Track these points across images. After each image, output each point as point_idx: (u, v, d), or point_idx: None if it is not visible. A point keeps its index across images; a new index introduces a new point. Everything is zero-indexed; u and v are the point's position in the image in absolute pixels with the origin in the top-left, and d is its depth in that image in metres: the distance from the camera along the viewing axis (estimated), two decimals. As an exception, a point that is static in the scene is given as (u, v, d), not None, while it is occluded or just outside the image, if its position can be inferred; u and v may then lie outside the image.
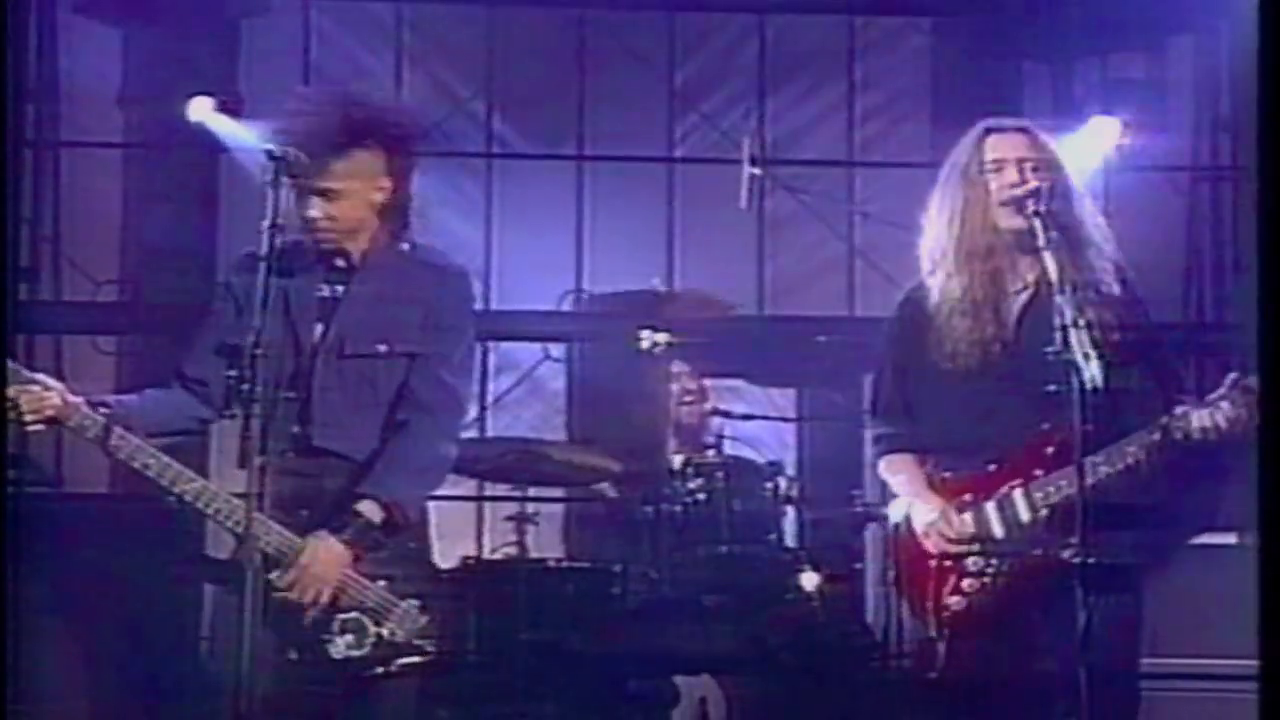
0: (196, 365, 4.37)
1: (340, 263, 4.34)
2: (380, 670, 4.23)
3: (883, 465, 4.70)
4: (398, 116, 4.41)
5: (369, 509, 4.24)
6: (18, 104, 8.05)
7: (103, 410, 4.20)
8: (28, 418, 4.14)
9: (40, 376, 4.24)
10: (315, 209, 4.26)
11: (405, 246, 4.42)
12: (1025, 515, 4.43)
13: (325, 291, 4.32)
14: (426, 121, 4.52)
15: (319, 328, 4.29)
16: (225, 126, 7.99)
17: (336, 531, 4.22)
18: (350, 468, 4.28)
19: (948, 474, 4.54)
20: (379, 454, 4.30)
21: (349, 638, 4.21)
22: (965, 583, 4.45)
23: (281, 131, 4.23)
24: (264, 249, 4.05)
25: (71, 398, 4.19)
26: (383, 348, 4.30)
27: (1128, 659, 4.43)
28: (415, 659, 4.26)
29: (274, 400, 4.10)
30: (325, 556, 4.20)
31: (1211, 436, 4.29)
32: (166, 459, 4.19)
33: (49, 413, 4.15)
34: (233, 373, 4.13)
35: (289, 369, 4.24)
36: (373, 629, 4.23)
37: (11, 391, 4.14)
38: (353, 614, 4.22)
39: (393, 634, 4.24)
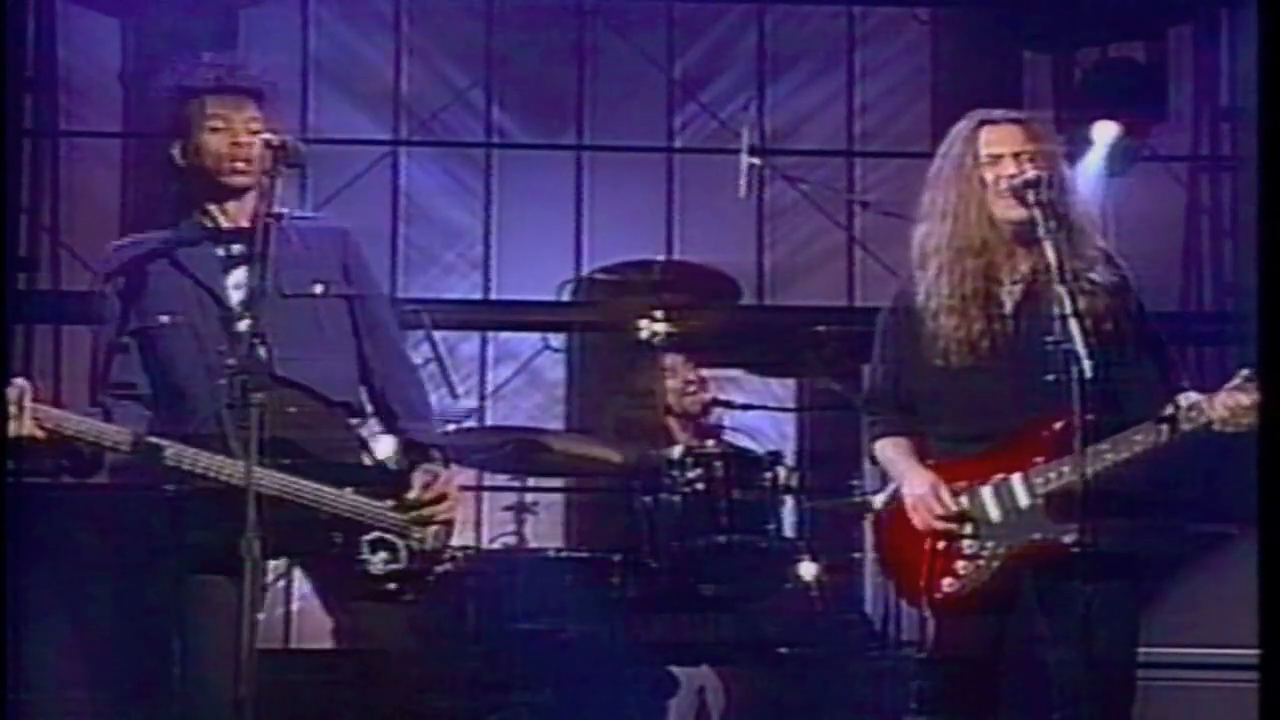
0: (118, 371, 4.36)
1: (231, 225, 4.37)
2: (423, 577, 4.29)
3: (876, 448, 4.71)
4: (271, 86, 4.50)
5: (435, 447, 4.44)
6: (16, 93, 8.04)
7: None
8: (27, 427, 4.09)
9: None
10: (245, 137, 4.33)
11: (283, 212, 4.38)
12: (1024, 501, 4.44)
13: (237, 249, 4.34)
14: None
15: (243, 276, 4.29)
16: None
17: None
18: (323, 407, 4.32)
19: (944, 459, 4.54)
20: (394, 402, 4.44)
21: (383, 554, 4.25)
22: (959, 565, 4.46)
23: (181, 84, 4.45)
24: (260, 238, 4.06)
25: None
26: (319, 288, 4.37)
27: (1124, 647, 4.43)
28: (448, 564, 4.34)
29: (224, 351, 4.14)
30: (445, 475, 4.36)
31: (1229, 427, 4.28)
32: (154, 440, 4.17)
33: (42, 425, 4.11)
34: (153, 363, 4.26)
35: (225, 316, 4.26)
36: (401, 543, 4.27)
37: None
38: (375, 534, 4.25)
39: (422, 543, 4.29)
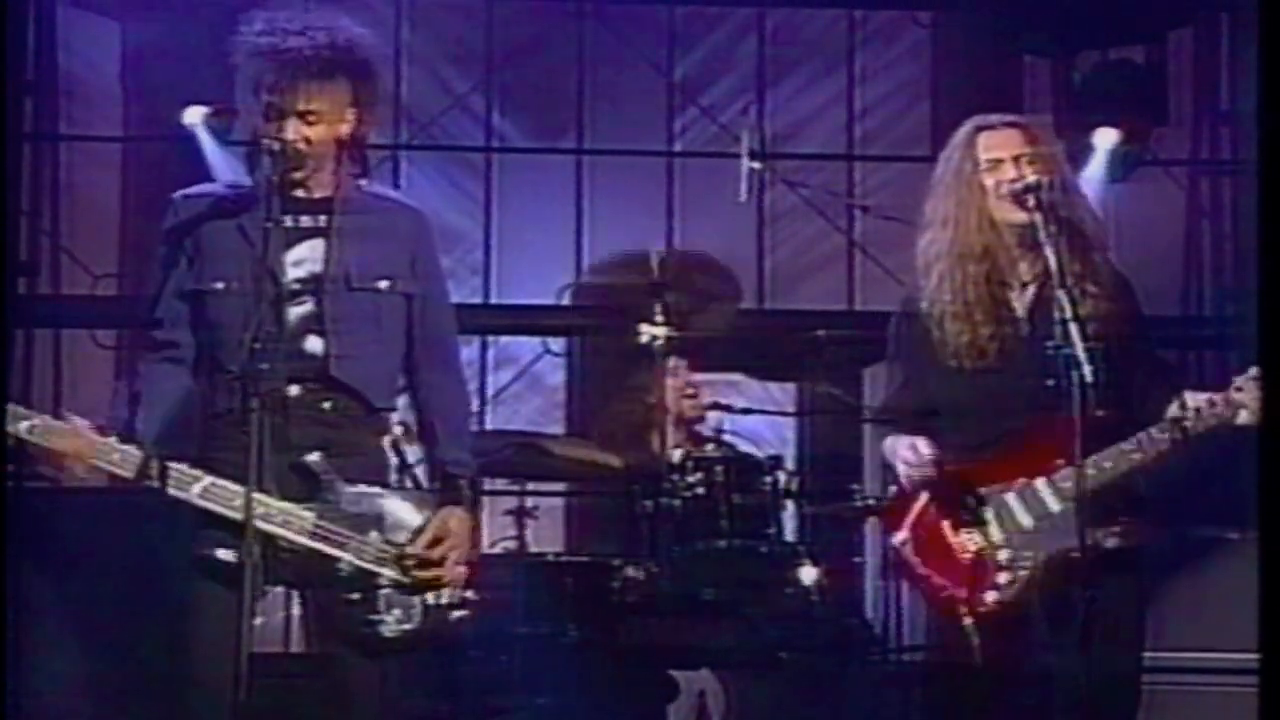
0: (165, 328, 4.19)
1: (304, 195, 4.17)
2: (433, 638, 4.12)
3: (885, 445, 4.68)
4: (365, 51, 4.23)
5: (465, 479, 4.23)
6: (16, 97, 8.04)
7: (109, 432, 4.05)
8: (68, 462, 4.02)
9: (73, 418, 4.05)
10: (292, 131, 4.10)
11: (365, 184, 4.32)
12: (1055, 505, 4.38)
13: (306, 222, 4.17)
14: (383, 62, 4.38)
15: (319, 259, 4.15)
16: (210, 143, 8.03)
17: (456, 504, 4.17)
18: (364, 414, 4.17)
19: (960, 463, 4.49)
20: (435, 416, 4.26)
21: (396, 612, 4.07)
22: (1000, 577, 4.40)
23: (259, 54, 4.15)
24: (259, 241, 4.02)
25: (96, 436, 4.03)
26: (384, 284, 4.19)
27: (1133, 650, 4.43)
28: (464, 613, 4.16)
29: (268, 340, 3.98)
30: (463, 529, 4.16)
31: (1248, 420, 4.26)
32: (181, 467, 4.05)
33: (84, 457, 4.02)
34: (200, 327, 4.10)
35: (284, 306, 4.09)
36: (417, 599, 4.09)
37: (41, 434, 4.00)
38: (393, 586, 4.07)
39: (436, 600, 4.11)
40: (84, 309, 8.46)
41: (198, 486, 4.02)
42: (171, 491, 4.01)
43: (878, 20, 9.27)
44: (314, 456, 4.08)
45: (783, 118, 9.18)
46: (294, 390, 4.08)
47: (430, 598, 4.11)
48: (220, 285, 4.11)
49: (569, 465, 6.65)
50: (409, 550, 4.10)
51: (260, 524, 3.92)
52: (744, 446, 6.84)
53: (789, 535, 6.55)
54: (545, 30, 9.09)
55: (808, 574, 6.23)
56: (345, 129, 4.20)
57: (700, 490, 6.32)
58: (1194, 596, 5.48)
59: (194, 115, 8.04)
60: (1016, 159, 4.50)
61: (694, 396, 7.08)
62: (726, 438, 6.99)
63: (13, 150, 7.85)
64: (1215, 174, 9.05)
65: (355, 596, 4.06)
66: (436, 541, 4.13)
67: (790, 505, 6.55)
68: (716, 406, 7.10)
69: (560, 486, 7.66)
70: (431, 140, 9.08)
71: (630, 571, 6.18)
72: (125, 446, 4.03)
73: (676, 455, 6.42)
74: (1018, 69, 8.91)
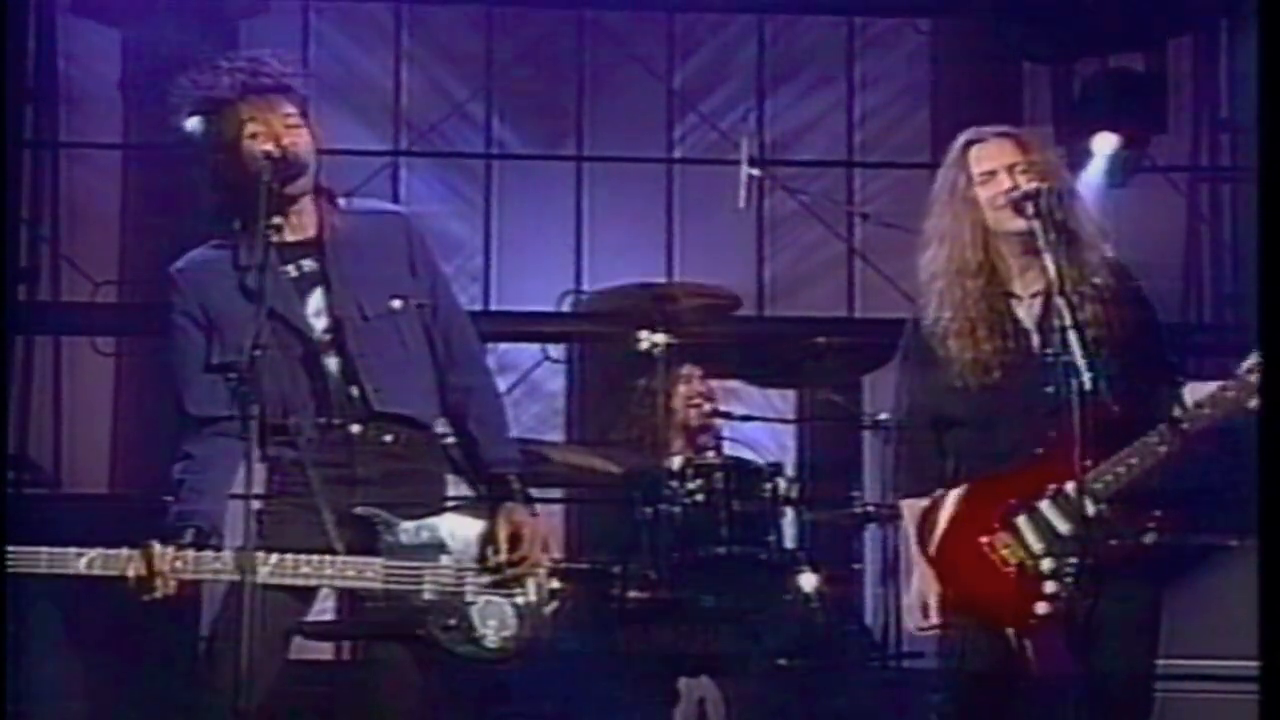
0: (202, 404, 4.14)
1: (295, 239, 4.18)
2: (535, 639, 4.14)
3: (904, 508, 4.65)
4: (296, 69, 4.30)
5: (512, 475, 4.26)
6: (16, 104, 8.05)
7: (194, 534, 4.01)
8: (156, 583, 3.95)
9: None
10: (285, 138, 4.12)
11: (343, 203, 4.32)
12: (1090, 508, 4.33)
13: (309, 266, 4.18)
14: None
15: (323, 300, 4.16)
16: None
17: (509, 500, 4.20)
18: (423, 437, 4.20)
19: (981, 478, 4.47)
20: (471, 420, 4.26)
21: (493, 623, 4.10)
22: (1047, 586, 4.36)
23: (209, 95, 4.24)
24: (259, 251, 4.01)
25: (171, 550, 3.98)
26: (397, 303, 4.20)
27: (1148, 651, 4.43)
28: (556, 606, 4.18)
29: (306, 387, 4.08)
30: (529, 520, 4.19)
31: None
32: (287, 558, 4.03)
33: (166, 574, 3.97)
34: (240, 396, 4.03)
35: (309, 350, 4.13)
36: (508, 604, 4.13)
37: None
38: (482, 598, 4.11)
39: (527, 601, 4.14)
40: (84, 316, 8.46)
41: (265, 568, 3.97)
42: (246, 580, 3.89)
43: (877, 27, 9.28)
44: (362, 508, 4.09)
45: (782, 124, 9.19)
46: (355, 429, 4.12)
47: (520, 599, 4.15)
48: (256, 353, 3.99)
49: (569, 472, 6.65)
50: (497, 560, 4.13)
51: (338, 583, 4.03)
52: (744, 453, 6.84)
53: (789, 542, 6.55)
54: (545, 37, 9.09)
55: (807, 581, 6.23)
56: (317, 140, 4.22)
57: (700, 497, 6.32)
58: (1193, 603, 5.47)
59: (194, 123, 8.03)
60: (1010, 169, 4.48)
61: (699, 405, 7.07)
62: (726, 445, 6.99)
63: (13, 157, 7.86)
64: (1215, 180, 9.06)
65: (451, 622, 4.09)
66: (515, 539, 4.16)
67: (790, 512, 6.55)
68: (717, 414, 7.11)
69: (560, 493, 7.65)
70: (431, 147, 9.09)
71: (630, 578, 6.18)
72: (201, 552, 3.99)
73: (676, 462, 6.42)
74: (1017, 76, 8.92)
